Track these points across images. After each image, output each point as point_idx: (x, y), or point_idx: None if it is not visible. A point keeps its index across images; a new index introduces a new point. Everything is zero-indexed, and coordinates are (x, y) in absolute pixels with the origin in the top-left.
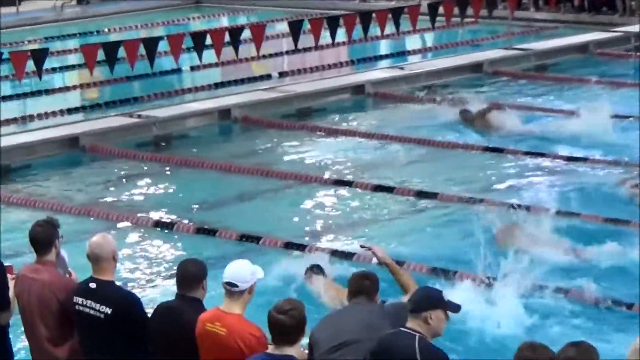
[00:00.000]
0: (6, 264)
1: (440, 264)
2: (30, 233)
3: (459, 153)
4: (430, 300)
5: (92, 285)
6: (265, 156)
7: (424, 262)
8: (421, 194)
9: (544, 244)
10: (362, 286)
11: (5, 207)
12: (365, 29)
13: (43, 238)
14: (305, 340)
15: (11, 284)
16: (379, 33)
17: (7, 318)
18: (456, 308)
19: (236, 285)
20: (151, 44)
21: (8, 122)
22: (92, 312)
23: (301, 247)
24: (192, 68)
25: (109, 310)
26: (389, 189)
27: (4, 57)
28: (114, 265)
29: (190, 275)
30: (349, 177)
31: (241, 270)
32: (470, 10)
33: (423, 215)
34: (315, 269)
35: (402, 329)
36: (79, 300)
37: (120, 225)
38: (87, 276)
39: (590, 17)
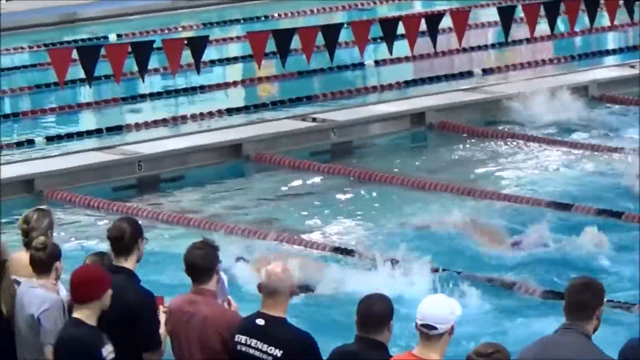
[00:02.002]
0: (156, 294)
1: None
2: (186, 257)
3: None
4: None
5: (260, 321)
6: (464, 170)
7: None
8: None
9: None
10: (581, 300)
11: (152, 225)
12: (592, 17)
13: (203, 263)
14: None
15: (162, 318)
16: (607, 23)
17: (158, 359)
18: None
19: (435, 328)
20: (331, 32)
21: (157, 124)
22: (257, 353)
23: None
24: (379, 62)
25: (279, 353)
26: (615, 214)
27: (155, 45)
28: (288, 302)
29: (375, 315)
30: (567, 200)
31: (439, 308)
32: None
33: None
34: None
35: None
36: (242, 339)
37: (291, 248)
38: None
39: None
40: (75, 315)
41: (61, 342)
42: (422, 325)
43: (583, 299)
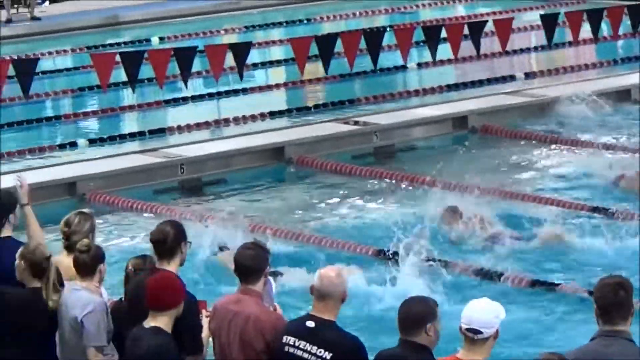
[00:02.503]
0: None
1: None
2: (236, 257)
3: None
4: None
5: (310, 323)
6: (509, 174)
7: None
8: None
9: None
10: (617, 302)
11: (196, 228)
12: (635, 23)
13: (252, 264)
14: None
15: (205, 322)
16: None
17: None
18: None
19: (480, 332)
20: (374, 36)
21: (199, 126)
22: (305, 355)
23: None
24: (421, 65)
25: (328, 356)
26: None
27: (198, 49)
28: (339, 306)
29: (413, 316)
30: (611, 206)
31: (484, 312)
32: None
33: None
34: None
35: None
36: (291, 340)
37: (334, 252)
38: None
39: None
40: (153, 323)
41: (143, 351)
42: (467, 329)
43: (619, 300)
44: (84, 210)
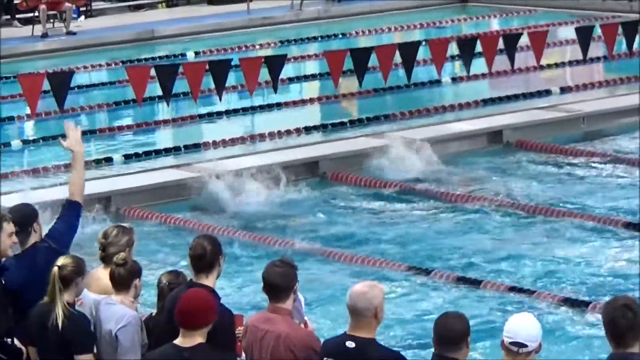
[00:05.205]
0: (235, 312)
1: None
2: (265, 275)
3: None
4: None
5: (350, 344)
6: (543, 190)
7: None
8: None
9: None
10: (627, 325)
11: (228, 243)
12: None
13: (281, 282)
14: None
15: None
16: None
17: None
18: None
19: (525, 346)
20: (409, 50)
21: (234, 141)
22: None
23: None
24: (456, 79)
25: None
26: None
27: (233, 63)
28: (376, 323)
29: (453, 333)
30: None
31: (530, 327)
32: None
33: None
34: None
35: None
36: None
37: (367, 269)
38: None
39: None
40: (190, 342)
41: None
42: (512, 343)
43: (629, 321)
44: (125, 224)
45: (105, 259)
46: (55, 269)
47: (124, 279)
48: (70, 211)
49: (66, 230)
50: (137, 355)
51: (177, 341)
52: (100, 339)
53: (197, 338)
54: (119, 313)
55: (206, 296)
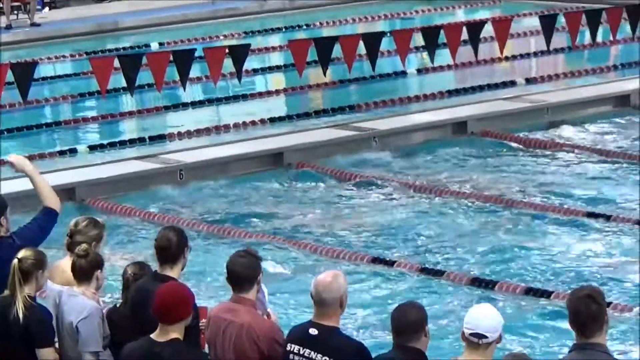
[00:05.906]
0: (201, 304)
1: None
2: (229, 265)
3: None
4: None
5: (313, 331)
6: (509, 180)
7: None
8: None
9: None
10: (590, 314)
11: (192, 234)
12: (634, 26)
13: (245, 272)
14: None
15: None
16: None
17: None
18: None
19: (485, 337)
20: (373, 41)
21: (198, 132)
22: None
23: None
24: (420, 71)
25: None
26: None
27: (197, 54)
28: (340, 312)
29: (410, 322)
30: (612, 211)
31: (489, 318)
32: None
33: None
34: None
35: None
36: (295, 348)
37: (331, 260)
38: None
39: None
40: (169, 336)
41: None
42: (472, 334)
43: (592, 312)
44: (98, 219)
45: (71, 247)
46: (16, 261)
47: (85, 270)
48: (47, 217)
49: (37, 232)
50: (98, 346)
51: (154, 335)
52: (62, 330)
53: (173, 333)
54: (79, 305)
55: (182, 289)
